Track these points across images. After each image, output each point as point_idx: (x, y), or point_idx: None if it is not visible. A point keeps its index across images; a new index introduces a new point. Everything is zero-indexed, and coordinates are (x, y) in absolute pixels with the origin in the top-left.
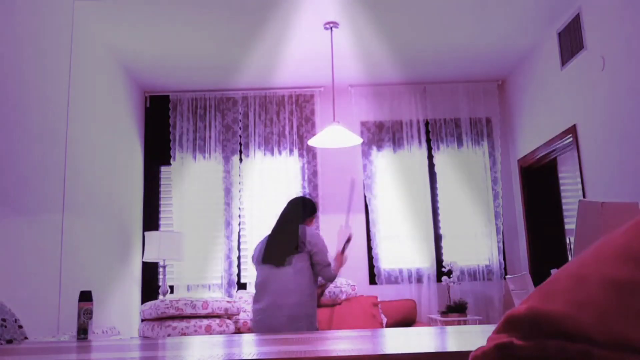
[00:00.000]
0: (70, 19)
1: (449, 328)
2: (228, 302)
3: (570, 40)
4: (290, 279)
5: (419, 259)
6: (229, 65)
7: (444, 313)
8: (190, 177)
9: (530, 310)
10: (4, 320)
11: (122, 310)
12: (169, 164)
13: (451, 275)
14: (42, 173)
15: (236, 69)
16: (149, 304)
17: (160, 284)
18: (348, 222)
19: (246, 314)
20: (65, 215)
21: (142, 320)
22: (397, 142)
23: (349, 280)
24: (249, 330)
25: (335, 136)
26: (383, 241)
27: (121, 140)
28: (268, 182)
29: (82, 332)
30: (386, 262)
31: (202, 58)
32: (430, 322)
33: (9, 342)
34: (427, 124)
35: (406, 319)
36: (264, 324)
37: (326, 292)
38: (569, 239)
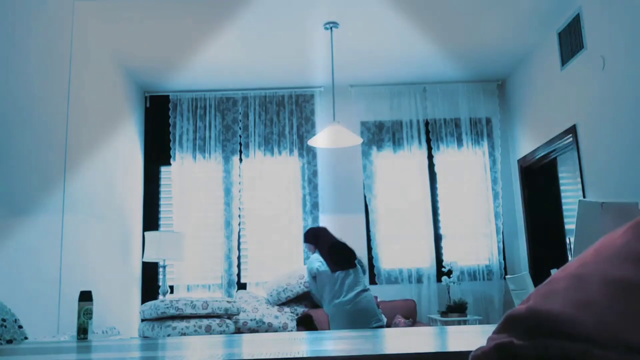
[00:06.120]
0: (70, 19)
1: (449, 328)
2: (228, 302)
3: (570, 40)
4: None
5: (419, 259)
6: (229, 65)
7: (444, 313)
8: (190, 177)
9: (530, 310)
10: (4, 320)
11: (122, 310)
12: (169, 164)
13: (451, 275)
14: (42, 173)
15: (236, 69)
16: (149, 304)
17: (160, 284)
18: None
19: (246, 314)
20: (65, 215)
21: (142, 320)
22: (397, 142)
23: None
24: (249, 331)
25: (335, 136)
26: (383, 241)
27: (121, 140)
28: (268, 182)
29: (82, 332)
30: (386, 262)
31: (202, 58)
32: (430, 322)
33: (9, 342)
34: (427, 124)
35: (406, 318)
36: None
37: None
38: (569, 239)
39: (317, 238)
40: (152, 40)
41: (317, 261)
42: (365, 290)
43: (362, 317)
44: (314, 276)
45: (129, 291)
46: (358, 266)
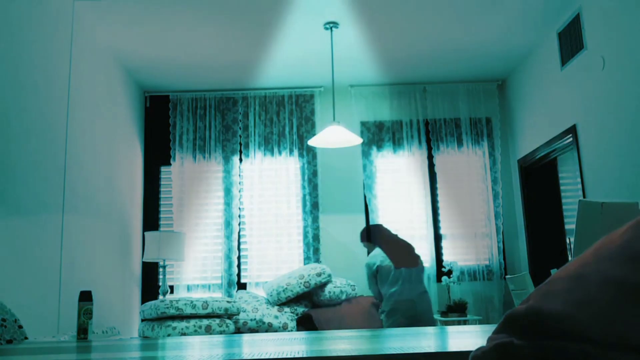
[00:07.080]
0: (70, 19)
1: (449, 328)
2: (228, 302)
3: (570, 40)
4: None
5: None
6: (229, 65)
7: (444, 313)
8: (190, 177)
9: (530, 310)
10: (4, 320)
11: (122, 310)
12: (169, 164)
13: (451, 275)
14: (42, 173)
15: (236, 69)
16: (149, 304)
17: (160, 284)
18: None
19: (246, 314)
20: (65, 215)
21: (142, 320)
22: (397, 142)
23: (349, 280)
24: (249, 331)
25: (335, 136)
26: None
27: (121, 140)
28: (268, 182)
29: (82, 332)
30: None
31: (202, 58)
32: None
33: (9, 342)
34: (427, 124)
35: None
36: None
37: (326, 291)
38: (569, 239)
39: (374, 235)
40: (152, 40)
41: (380, 256)
42: (425, 291)
43: (421, 320)
44: (376, 270)
45: (129, 291)
46: (421, 265)
